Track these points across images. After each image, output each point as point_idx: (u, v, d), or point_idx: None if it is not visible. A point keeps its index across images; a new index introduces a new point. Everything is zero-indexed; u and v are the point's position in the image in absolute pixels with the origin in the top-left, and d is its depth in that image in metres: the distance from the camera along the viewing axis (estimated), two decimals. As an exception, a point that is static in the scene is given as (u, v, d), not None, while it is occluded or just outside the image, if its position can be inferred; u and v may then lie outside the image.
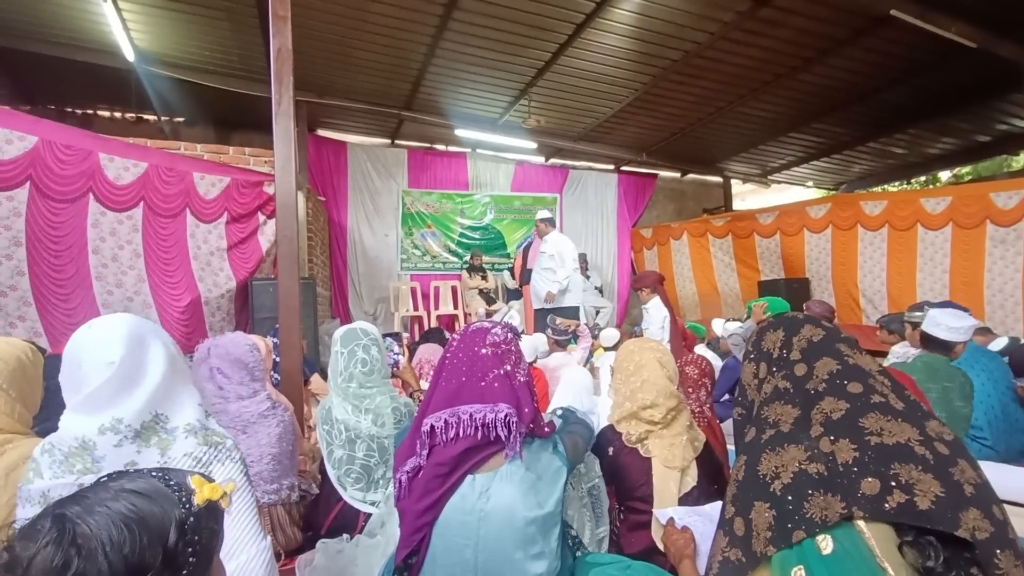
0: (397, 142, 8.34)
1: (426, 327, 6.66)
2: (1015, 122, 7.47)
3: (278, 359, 2.89)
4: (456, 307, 7.49)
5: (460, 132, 7.65)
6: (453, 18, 5.14)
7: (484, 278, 7.72)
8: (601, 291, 8.50)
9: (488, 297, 7.54)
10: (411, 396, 2.36)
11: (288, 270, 2.81)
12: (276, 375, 2.88)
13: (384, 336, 2.48)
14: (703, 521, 1.44)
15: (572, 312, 5.57)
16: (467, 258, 8.09)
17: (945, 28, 4.70)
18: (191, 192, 4.27)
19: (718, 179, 10.22)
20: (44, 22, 5.16)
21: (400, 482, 1.29)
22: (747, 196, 11.81)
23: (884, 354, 3.83)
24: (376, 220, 8.02)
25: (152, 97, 6.26)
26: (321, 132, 7.77)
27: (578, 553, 1.50)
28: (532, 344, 4.09)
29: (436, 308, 7.41)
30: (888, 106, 6.88)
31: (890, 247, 6.08)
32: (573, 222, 9.07)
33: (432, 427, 1.27)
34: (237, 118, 7.05)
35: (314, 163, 7.37)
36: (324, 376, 3.36)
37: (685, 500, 1.61)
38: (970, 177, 10.12)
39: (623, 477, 1.68)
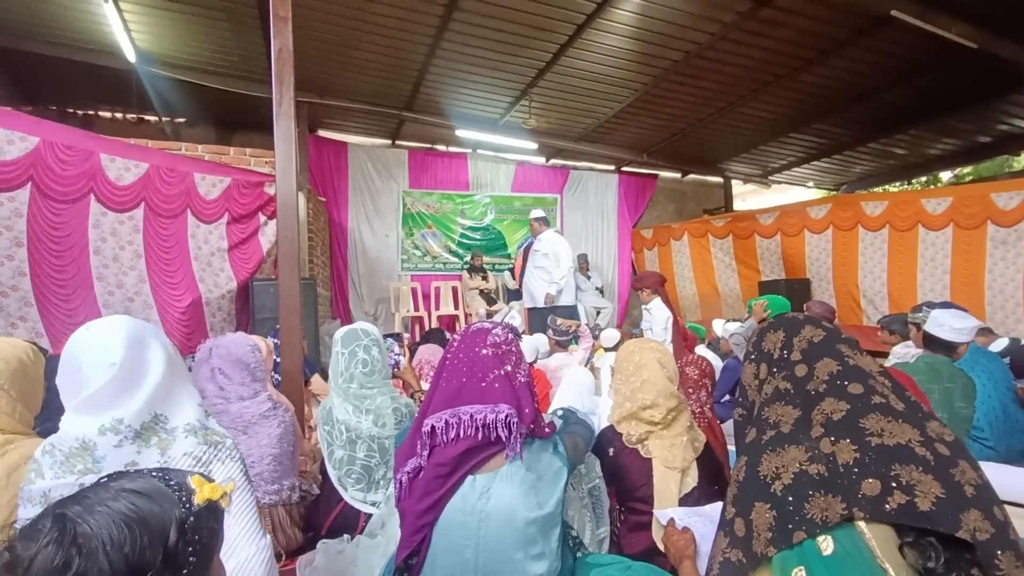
0: (398, 143, 8.35)
1: (427, 327, 6.66)
2: (1016, 122, 7.46)
3: (279, 359, 2.89)
4: (457, 308, 7.49)
5: (461, 133, 7.65)
6: (453, 19, 5.15)
7: (485, 279, 7.72)
8: (602, 292, 8.50)
9: (489, 298, 7.54)
10: (412, 397, 2.36)
11: (289, 271, 2.81)
12: (277, 375, 2.88)
13: (385, 337, 2.48)
14: (703, 522, 1.44)
15: (567, 311, 5.58)
16: (468, 259, 8.09)
17: (945, 28, 4.70)
18: (192, 193, 4.27)
19: (719, 179, 10.22)
20: (45, 23, 5.17)
21: (401, 483, 1.29)
22: (748, 197, 11.81)
23: (885, 355, 3.82)
24: (377, 220, 8.03)
25: (153, 98, 6.26)
26: (322, 133, 7.78)
27: (578, 554, 1.50)
28: (533, 344, 4.09)
29: (437, 309, 7.41)
30: (889, 106, 6.87)
31: (891, 248, 6.08)
32: (574, 222, 9.07)
33: (433, 427, 1.27)
34: (238, 119, 7.06)
35: (315, 164, 7.37)
36: (325, 376, 3.36)
37: (686, 501, 1.61)
38: (971, 178, 10.11)
39: (623, 478, 1.68)
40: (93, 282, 3.70)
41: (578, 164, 9.38)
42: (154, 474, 0.73)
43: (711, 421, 2.11)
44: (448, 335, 4.63)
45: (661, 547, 1.48)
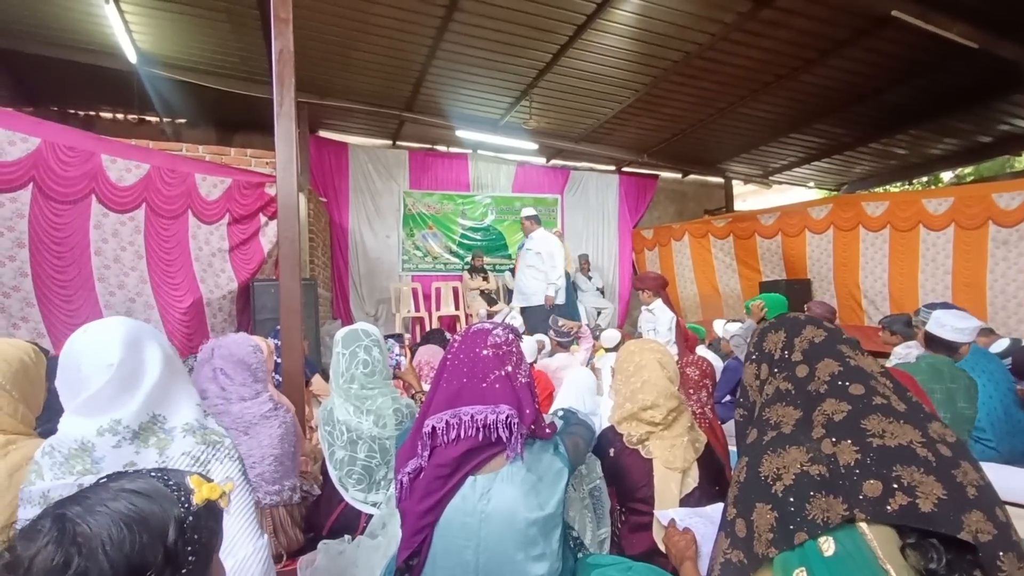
0: (398, 143, 8.35)
1: (427, 328, 6.66)
2: (1017, 122, 7.45)
3: (280, 360, 2.89)
4: (457, 308, 7.49)
5: (461, 133, 7.65)
6: (454, 19, 5.15)
7: (485, 279, 7.72)
8: (602, 292, 8.50)
9: (489, 298, 7.54)
10: (413, 397, 2.36)
11: (289, 271, 2.81)
12: (278, 376, 2.88)
13: (386, 337, 2.48)
14: (704, 522, 1.44)
15: (564, 310, 5.58)
16: (468, 259, 8.09)
17: (946, 29, 4.70)
18: (193, 193, 4.27)
19: (719, 180, 10.22)
20: (46, 24, 5.18)
21: (401, 483, 1.29)
22: (748, 197, 11.80)
23: (886, 355, 3.81)
24: (377, 221, 8.03)
25: (154, 98, 6.27)
26: (322, 133, 7.79)
27: (579, 554, 1.50)
28: (533, 345, 4.09)
29: (437, 309, 7.41)
30: (889, 107, 6.87)
31: (892, 248, 6.07)
32: (574, 223, 9.07)
33: (433, 428, 1.27)
34: (239, 119, 7.07)
35: (315, 164, 7.38)
36: (325, 377, 3.36)
37: (686, 501, 1.61)
38: (972, 178, 10.09)
39: (624, 478, 1.68)
40: (94, 283, 3.70)
41: (578, 165, 9.38)
42: (153, 474, 0.73)
43: (712, 422, 2.11)
44: (449, 336, 4.63)
45: (662, 548, 1.48)
